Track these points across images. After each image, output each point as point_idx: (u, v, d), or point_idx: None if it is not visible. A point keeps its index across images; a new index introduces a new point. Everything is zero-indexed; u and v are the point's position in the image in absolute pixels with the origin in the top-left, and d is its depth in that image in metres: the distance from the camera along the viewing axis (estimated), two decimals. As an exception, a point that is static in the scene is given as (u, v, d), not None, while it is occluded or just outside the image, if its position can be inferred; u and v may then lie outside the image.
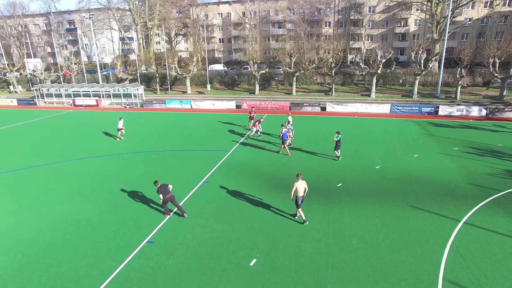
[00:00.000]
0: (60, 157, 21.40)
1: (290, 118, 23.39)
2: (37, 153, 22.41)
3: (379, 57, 35.23)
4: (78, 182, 17.15)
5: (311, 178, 16.87)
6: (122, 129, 24.40)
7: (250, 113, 25.78)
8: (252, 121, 25.21)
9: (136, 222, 13.08)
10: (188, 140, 24.62)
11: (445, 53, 36.46)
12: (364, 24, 67.28)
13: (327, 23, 71.25)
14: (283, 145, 20.29)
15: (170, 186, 13.27)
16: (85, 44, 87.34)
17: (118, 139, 24.76)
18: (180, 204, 13.81)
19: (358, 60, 36.76)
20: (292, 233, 12.14)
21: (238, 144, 23.25)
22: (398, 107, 32.32)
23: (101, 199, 15.19)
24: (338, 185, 16.13)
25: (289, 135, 21.61)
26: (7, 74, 50.85)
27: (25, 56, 76.28)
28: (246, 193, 15.44)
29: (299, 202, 12.38)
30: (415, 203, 14.15)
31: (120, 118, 24.78)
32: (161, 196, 12.95)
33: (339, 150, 19.18)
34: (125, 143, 24.25)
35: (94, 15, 67.89)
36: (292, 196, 12.35)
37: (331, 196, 15.02)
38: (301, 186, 12.30)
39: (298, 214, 12.70)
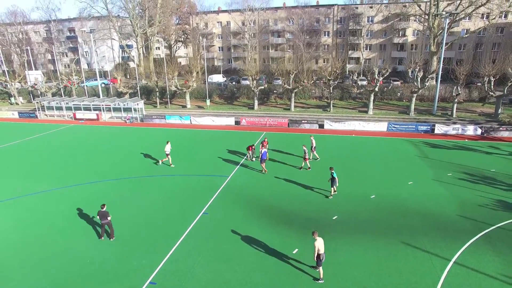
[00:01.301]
0: (61, 181, 21.83)
1: (313, 139, 24.90)
2: (39, 176, 22.87)
3: (376, 75, 35.74)
4: (79, 212, 17.57)
5: (307, 209, 17.40)
6: (169, 154, 23.79)
7: (248, 149, 25.14)
8: (254, 149, 25.17)
9: (138, 260, 13.52)
10: (188, 162, 25.02)
11: (443, 64, 36.78)
12: (362, 34, 67.88)
13: (326, 32, 71.88)
14: (262, 164, 22.35)
15: (110, 217, 14.88)
16: (85, 52, 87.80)
17: (161, 162, 24.40)
18: (179, 241, 14.47)
19: (356, 78, 37.20)
20: (289, 274, 12.61)
21: (237, 167, 23.71)
22: (395, 125, 32.83)
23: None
24: (334, 217, 16.60)
25: (306, 158, 22.59)
26: (8, 85, 51.24)
27: (26, 64, 76.86)
28: (245, 226, 15.89)
29: (321, 260, 11.93)
30: (407, 239, 14.62)
31: (168, 142, 24.07)
32: (98, 216, 14.84)
33: (334, 187, 18.63)
34: (126, 165, 24.67)
35: (94, 30, 68.59)
36: (315, 256, 11.91)
37: (327, 230, 15.46)
38: (321, 244, 12.01)
39: (319, 272, 12.18)
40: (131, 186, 20.95)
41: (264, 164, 22.30)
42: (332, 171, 18.24)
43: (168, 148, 23.64)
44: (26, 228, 16.21)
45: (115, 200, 18.90)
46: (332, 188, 18.58)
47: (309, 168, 22.90)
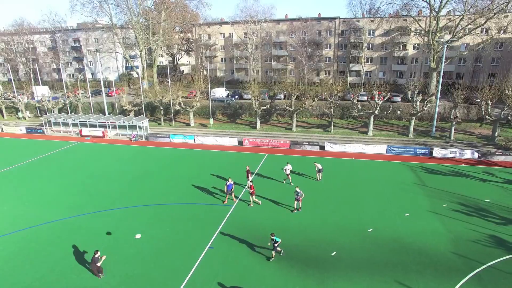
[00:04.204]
0: (72, 209, 22.77)
1: (317, 164, 26.56)
2: (51, 203, 23.81)
3: (376, 99, 36.64)
4: (92, 246, 18.40)
5: (308, 244, 18.25)
6: (288, 173, 26.07)
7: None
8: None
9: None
10: (193, 188, 25.89)
11: (442, 78, 37.46)
12: (363, 48, 68.87)
13: (328, 45, 72.89)
14: (227, 195, 23.60)
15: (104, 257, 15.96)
16: (89, 61, 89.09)
17: (284, 181, 26.53)
18: (187, 279, 15.40)
19: (356, 102, 38.06)
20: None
21: (240, 195, 24.50)
22: (394, 148, 33.67)
23: (115, 270, 16.44)
24: (333, 254, 17.45)
25: (300, 199, 21.78)
26: (16, 101, 52.41)
27: (31, 73, 78.22)
28: (249, 262, 16.76)
29: None
30: (402, 279, 15.46)
31: (287, 163, 26.33)
32: (95, 265, 15.58)
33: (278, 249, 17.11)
34: (134, 191, 25.58)
35: (99, 42, 70.04)
36: None
37: (326, 268, 16.33)
38: None
39: None
40: (136, 215, 21.82)
41: (228, 195, 23.54)
42: (273, 236, 16.63)
43: (288, 168, 26.00)
44: (43, 264, 17.11)
45: (123, 232, 19.80)
46: (273, 252, 16.96)
47: (295, 210, 22.00)
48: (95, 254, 15.57)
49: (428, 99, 36.85)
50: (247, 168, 25.91)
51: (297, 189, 21.57)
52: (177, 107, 43.72)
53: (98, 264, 15.49)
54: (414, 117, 37.08)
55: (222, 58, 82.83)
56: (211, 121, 44.59)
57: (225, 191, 23.39)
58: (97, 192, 25.78)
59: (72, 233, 19.90)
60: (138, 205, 23.37)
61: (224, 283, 15.36)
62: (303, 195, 21.60)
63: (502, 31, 57.24)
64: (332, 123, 40.63)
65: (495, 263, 16.51)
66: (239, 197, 24.12)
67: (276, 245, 16.59)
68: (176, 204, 23.45)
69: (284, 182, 26.50)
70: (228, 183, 23.12)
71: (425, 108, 36.27)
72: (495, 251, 17.47)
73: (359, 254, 17.36)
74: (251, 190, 22.64)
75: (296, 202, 21.85)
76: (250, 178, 24.92)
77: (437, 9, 48.88)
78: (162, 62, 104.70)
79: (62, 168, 31.39)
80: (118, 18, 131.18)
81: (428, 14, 51.79)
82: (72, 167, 31.59)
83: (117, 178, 28.52)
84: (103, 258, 15.71)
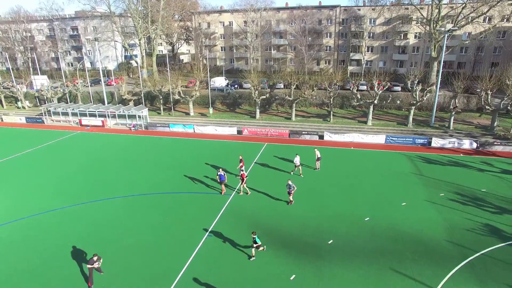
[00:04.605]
0: (72, 198, 23.03)
1: (317, 151, 26.68)
2: (52, 192, 24.05)
3: (376, 89, 36.54)
4: (92, 236, 18.73)
5: (305, 233, 18.54)
6: (298, 165, 25.83)
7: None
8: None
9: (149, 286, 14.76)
10: (192, 177, 26.12)
11: (443, 68, 37.21)
12: (364, 36, 68.24)
13: (328, 34, 72.22)
14: (222, 185, 23.40)
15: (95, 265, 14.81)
16: (88, 50, 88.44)
17: (292, 172, 26.29)
18: (186, 266, 15.71)
19: (356, 92, 37.95)
20: (286, 302, 13.80)
21: (239, 184, 24.68)
22: (392, 138, 33.75)
23: (115, 259, 16.76)
24: (329, 242, 17.73)
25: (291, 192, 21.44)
26: (15, 90, 52.29)
27: (30, 63, 77.82)
28: (246, 250, 17.03)
29: None
30: (397, 266, 15.76)
31: (296, 155, 25.82)
32: (90, 265, 14.64)
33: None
34: (134, 180, 25.81)
35: (98, 31, 69.33)
36: None
37: (322, 255, 16.63)
38: None
39: None
40: (136, 205, 22.07)
41: (223, 185, 23.36)
42: (254, 236, 16.21)
43: (297, 160, 25.56)
44: (43, 252, 17.44)
45: (124, 220, 20.09)
46: (253, 250, 16.54)
47: (290, 202, 21.84)
48: (94, 257, 14.78)
49: (428, 89, 36.73)
50: (240, 157, 25.69)
51: (289, 182, 21.11)
52: (177, 97, 43.68)
53: (89, 266, 14.68)
54: (413, 107, 37.06)
55: (221, 47, 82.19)
56: (211, 110, 44.59)
57: (218, 181, 23.50)
58: (97, 181, 26.01)
59: (73, 221, 20.19)
60: (137, 194, 23.62)
61: (222, 270, 15.68)
62: (295, 189, 21.23)
63: (505, 20, 56.61)
64: (332, 112, 40.63)
65: (488, 251, 16.80)
66: (237, 187, 24.34)
67: (254, 245, 16.24)
68: (175, 193, 23.70)
69: (292, 173, 26.20)
70: (219, 173, 23.19)
71: (425, 98, 36.23)
72: (489, 239, 17.74)
73: (356, 242, 17.63)
74: (244, 179, 22.94)
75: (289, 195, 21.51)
76: (243, 167, 24.64)
77: (439, -3, 48.22)
78: (162, 51, 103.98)
79: (62, 158, 31.57)
80: (116, 6, 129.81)
81: (430, 2, 51.19)
82: (72, 157, 31.77)
83: (117, 168, 28.73)
84: (96, 265, 14.78)
